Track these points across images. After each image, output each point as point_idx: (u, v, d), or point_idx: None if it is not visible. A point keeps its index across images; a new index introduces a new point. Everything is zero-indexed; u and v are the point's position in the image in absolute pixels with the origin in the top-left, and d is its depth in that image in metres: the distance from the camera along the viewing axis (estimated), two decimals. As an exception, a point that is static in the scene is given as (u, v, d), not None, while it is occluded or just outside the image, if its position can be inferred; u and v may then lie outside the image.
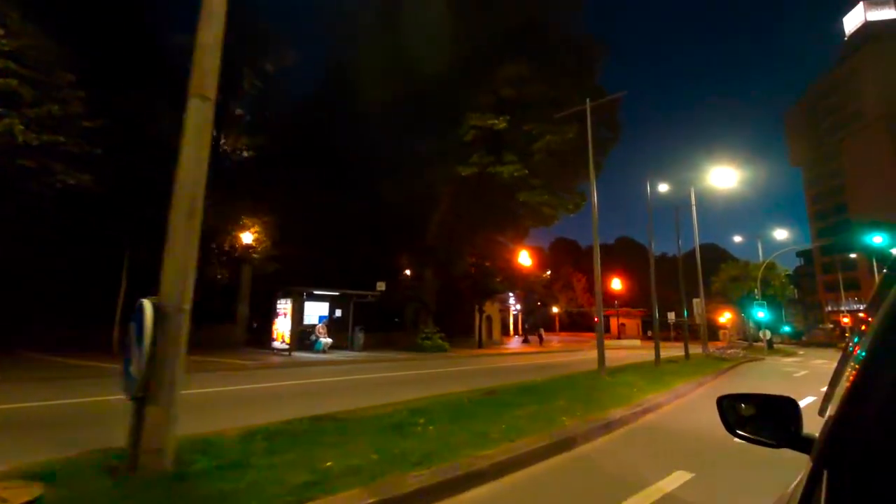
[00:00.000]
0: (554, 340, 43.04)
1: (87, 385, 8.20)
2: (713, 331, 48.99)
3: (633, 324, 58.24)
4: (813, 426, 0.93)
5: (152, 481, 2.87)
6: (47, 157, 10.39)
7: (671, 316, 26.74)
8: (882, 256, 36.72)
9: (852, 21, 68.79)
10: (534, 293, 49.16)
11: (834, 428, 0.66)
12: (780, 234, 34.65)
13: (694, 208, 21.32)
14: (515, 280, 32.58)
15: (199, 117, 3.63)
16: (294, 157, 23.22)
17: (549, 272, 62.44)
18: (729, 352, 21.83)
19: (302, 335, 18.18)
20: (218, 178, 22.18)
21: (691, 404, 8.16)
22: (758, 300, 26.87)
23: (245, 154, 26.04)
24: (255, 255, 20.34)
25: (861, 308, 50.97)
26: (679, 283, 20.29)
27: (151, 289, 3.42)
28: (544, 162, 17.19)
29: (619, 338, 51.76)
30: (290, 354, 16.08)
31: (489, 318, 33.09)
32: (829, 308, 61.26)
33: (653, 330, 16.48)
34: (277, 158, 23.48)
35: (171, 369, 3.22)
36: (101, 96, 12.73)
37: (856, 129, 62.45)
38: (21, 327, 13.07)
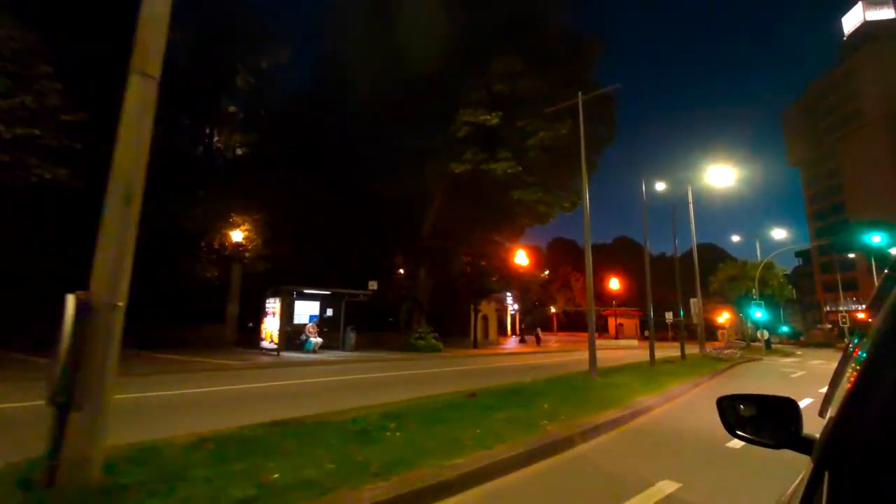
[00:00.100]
0: (552, 340, 42.71)
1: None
2: (712, 331, 48.77)
3: (630, 324, 57.96)
4: (812, 427, 0.93)
5: (70, 497, 2.57)
6: (22, 150, 10.06)
7: (669, 316, 26.48)
8: (881, 256, 36.56)
9: (851, 21, 68.68)
10: (531, 293, 48.82)
11: (835, 429, 0.66)
12: (779, 233, 34.41)
13: (691, 207, 21.06)
14: (511, 279, 32.33)
15: (139, 95, 3.33)
16: (287, 155, 22.94)
17: (546, 272, 62.14)
18: (726, 352, 21.57)
19: (291, 335, 17.87)
20: (210, 176, 22.06)
21: (684, 406, 7.88)
22: (755, 300, 26.64)
23: (238, 152, 25.75)
24: (247, 254, 20.04)
25: (860, 308, 50.80)
26: (677, 283, 20.02)
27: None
28: (539, 159, 16.90)
29: (616, 338, 51.45)
30: (278, 354, 15.76)
31: (485, 318, 32.81)
32: (828, 308, 61.10)
33: (650, 330, 16.20)
34: (270, 156, 23.20)
35: (101, 372, 2.91)
36: (83, 89, 12.41)
37: (854, 129, 62.32)
38: (21, 327, 12.79)
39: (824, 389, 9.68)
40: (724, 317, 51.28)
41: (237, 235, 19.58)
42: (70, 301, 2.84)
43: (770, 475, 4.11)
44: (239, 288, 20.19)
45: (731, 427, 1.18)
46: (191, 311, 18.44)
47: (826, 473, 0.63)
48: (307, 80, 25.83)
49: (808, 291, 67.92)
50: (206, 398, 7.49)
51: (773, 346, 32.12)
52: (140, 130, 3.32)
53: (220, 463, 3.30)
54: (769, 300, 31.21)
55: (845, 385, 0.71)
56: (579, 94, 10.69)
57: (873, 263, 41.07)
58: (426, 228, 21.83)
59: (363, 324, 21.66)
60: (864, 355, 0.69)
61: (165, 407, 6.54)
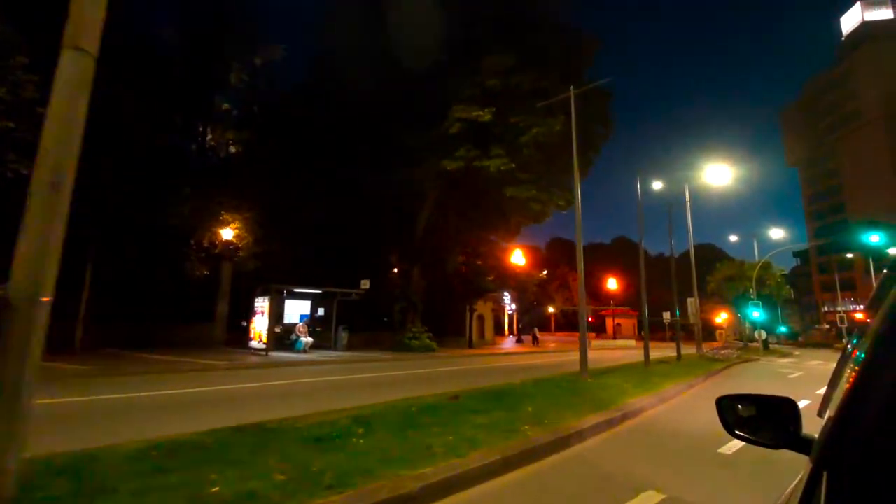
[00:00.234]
0: (549, 341, 42.43)
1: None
2: (710, 331, 48.58)
3: (628, 324, 57.75)
4: (811, 427, 0.92)
5: (-30, 516, 2.28)
6: (-3, 143, 9.75)
7: (666, 316, 26.25)
8: (879, 256, 36.39)
9: (850, 21, 68.60)
10: (528, 292, 48.56)
11: (834, 429, 0.66)
12: (777, 233, 34.18)
13: (688, 205, 20.80)
14: (507, 279, 32.06)
15: (73, 72, 3.04)
16: (280, 153, 22.64)
17: (545, 272, 61.92)
18: (723, 352, 21.32)
19: (282, 335, 17.59)
20: (202, 174, 21.76)
21: (677, 409, 7.61)
22: (753, 300, 26.41)
23: (231, 149, 25.46)
24: (241, 253, 19.74)
25: (858, 308, 50.66)
26: (673, 283, 19.78)
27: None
28: (533, 156, 16.61)
29: (614, 338, 51.24)
30: (266, 354, 15.47)
31: (481, 318, 32.53)
32: (826, 308, 60.97)
33: (644, 330, 15.94)
34: (263, 153, 22.90)
35: (18, 373, 2.62)
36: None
37: (853, 129, 62.21)
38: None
39: (822, 391, 9.42)
40: (722, 317, 51.10)
41: (227, 234, 19.28)
42: (-19, 295, 2.55)
43: (763, 484, 3.83)
44: (229, 287, 19.89)
45: (730, 427, 1.17)
46: (180, 311, 18.13)
47: (825, 473, 0.63)
48: (301, 77, 25.47)
49: (806, 292, 67.79)
50: (179, 400, 7.19)
51: (770, 346, 31.90)
52: (72, 111, 3.03)
53: (159, 474, 3.02)
54: (767, 300, 30.99)
55: (844, 385, 0.71)
56: (571, 88, 10.42)
57: (871, 264, 40.91)
58: (420, 227, 21.55)
59: (358, 323, 21.37)
60: (863, 356, 0.69)
61: (132, 410, 6.25)
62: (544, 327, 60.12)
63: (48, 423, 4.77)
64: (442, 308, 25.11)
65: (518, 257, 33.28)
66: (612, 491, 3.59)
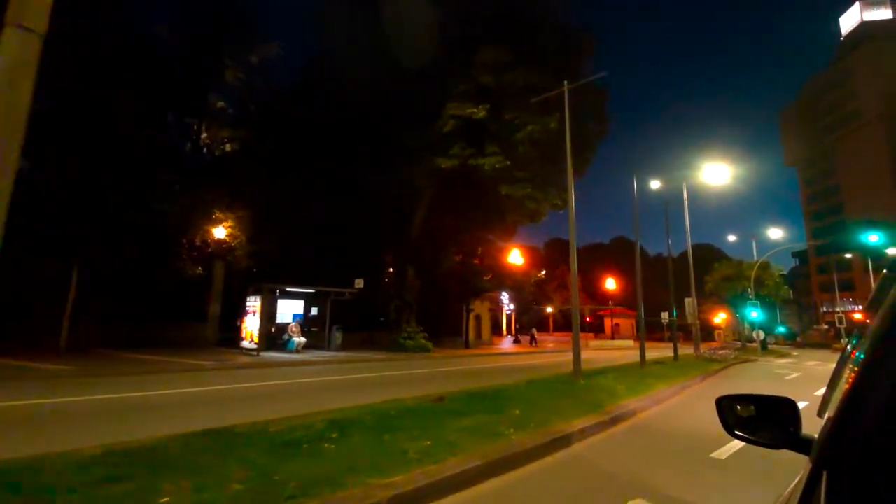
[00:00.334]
0: (548, 341, 42.22)
1: (4, 388, 7.35)
2: (708, 332, 48.41)
3: (627, 324, 57.57)
4: (811, 428, 0.92)
5: None
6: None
7: (664, 316, 26.07)
8: (877, 256, 36.27)
9: (849, 21, 68.54)
10: (525, 292, 48.38)
11: (833, 429, 0.66)
12: (775, 233, 34.03)
13: (686, 204, 20.64)
14: (504, 279, 31.86)
15: (15, 52, 2.83)
16: (276, 151, 22.44)
17: (543, 272, 61.78)
18: (720, 353, 21.15)
19: (274, 334, 17.38)
20: (195, 172, 21.54)
21: (670, 411, 7.42)
22: (751, 300, 26.25)
23: (228, 148, 25.25)
24: (237, 251, 19.53)
25: (856, 309, 50.57)
26: (671, 282, 19.61)
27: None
28: (528, 154, 16.41)
29: (612, 338, 51.05)
30: (258, 354, 15.26)
31: (478, 318, 32.33)
32: (825, 309, 60.88)
33: (640, 330, 15.75)
34: (258, 152, 22.69)
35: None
36: (45, 81, 11.90)
37: (852, 129, 62.12)
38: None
39: (820, 392, 9.24)
40: (720, 317, 50.96)
41: (220, 232, 19.07)
42: None
43: (756, 491, 3.64)
44: (222, 286, 19.66)
45: (729, 427, 1.17)
46: (172, 311, 17.90)
47: (824, 473, 0.63)
48: (298, 75, 25.28)
49: (804, 292, 67.70)
50: (155, 402, 6.98)
51: (769, 346, 31.72)
52: (16, 94, 2.82)
53: (107, 484, 2.81)
54: (765, 301, 30.84)
55: (844, 386, 0.71)
56: (565, 83, 10.22)
57: (870, 264, 40.80)
58: (415, 226, 21.34)
59: (353, 323, 21.16)
60: (863, 356, 0.69)
61: (102, 412, 6.03)
62: (543, 327, 59.95)
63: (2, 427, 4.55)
64: (438, 308, 24.91)
65: (515, 257, 33.09)
66: (597, 500, 3.39)
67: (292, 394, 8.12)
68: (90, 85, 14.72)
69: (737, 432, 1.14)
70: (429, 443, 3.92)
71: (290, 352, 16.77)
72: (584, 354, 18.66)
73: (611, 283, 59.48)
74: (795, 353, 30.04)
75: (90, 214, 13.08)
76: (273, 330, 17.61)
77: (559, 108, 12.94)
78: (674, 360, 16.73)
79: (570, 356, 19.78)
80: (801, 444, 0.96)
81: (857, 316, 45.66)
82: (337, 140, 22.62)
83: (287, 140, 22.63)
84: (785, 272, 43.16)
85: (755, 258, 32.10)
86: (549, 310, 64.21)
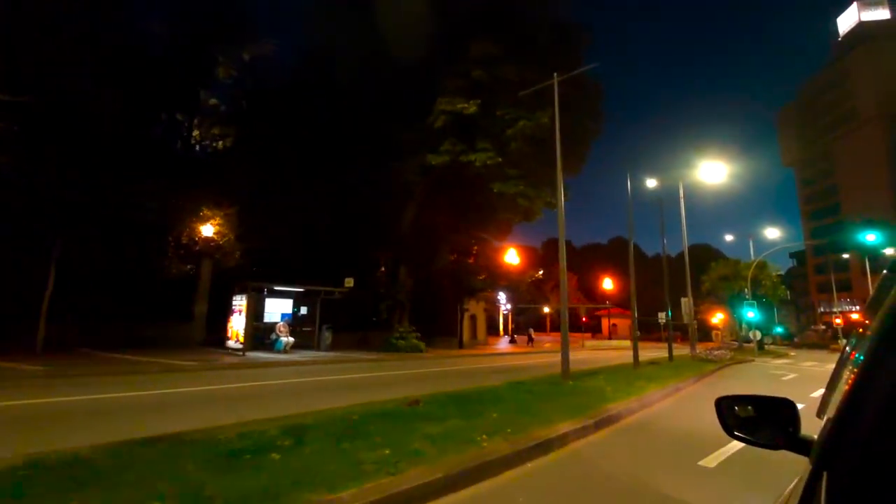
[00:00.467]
0: (545, 341, 41.89)
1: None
2: (706, 332, 48.18)
3: (624, 324, 57.23)
4: (810, 428, 0.93)
5: None
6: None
7: (662, 316, 25.80)
8: (875, 256, 36.08)
9: (846, 21, 68.46)
10: (522, 292, 48.09)
11: (833, 430, 0.67)
12: (772, 233, 33.82)
13: (682, 202, 20.36)
14: (499, 278, 31.55)
15: None
16: (267, 148, 22.10)
17: (541, 272, 61.50)
18: (716, 353, 20.87)
19: (262, 334, 17.03)
20: (184, 168, 21.17)
21: (661, 414, 7.11)
22: (748, 300, 26.01)
23: (219, 145, 24.90)
24: (226, 250, 19.16)
25: (854, 309, 50.45)
26: (668, 283, 19.34)
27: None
28: (521, 151, 16.10)
29: (609, 338, 50.78)
30: (243, 354, 14.92)
31: (473, 318, 32.00)
32: (822, 309, 60.77)
33: (633, 329, 15.47)
34: (251, 149, 22.37)
35: None
36: (23, 68, 11.55)
37: (850, 130, 62.03)
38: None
39: (816, 394, 8.94)
40: (718, 317, 50.76)
41: (208, 230, 18.69)
42: None
43: (746, 501, 3.33)
44: (209, 285, 19.27)
45: (729, 428, 1.17)
46: (157, 309, 17.53)
47: (824, 474, 0.63)
48: (291, 73, 24.93)
49: (802, 293, 67.60)
50: (121, 404, 6.65)
51: (766, 347, 31.48)
52: None
53: (6, 500, 2.48)
54: (762, 301, 30.59)
55: (843, 387, 0.71)
56: (554, 75, 9.91)
57: (868, 264, 40.62)
58: (405, 224, 21.00)
59: (345, 323, 20.82)
60: (862, 357, 0.69)
61: (56, 416, 5.69)
62: (540, 327, 59.64)
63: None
64: (433, 308, 24.58)
65: (511, 256, 32.79)
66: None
67: (264, 396, 7.79)
68: (73, 79, 14.42)
69: (736, 433, 1.13)
70: (388, 451, 3.60)
71: (278, 352, 16.43)
72: (580, 355, 18.36)
73: (608, 284, 59.26)
74: (792, 354, 29.81)
75: (68, 210, 12.70)
76: (261, 329, 17.27)
77: (551, 104, 12.65)
78: (669, 361, 16.44)
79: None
80: (800, 445, 0.97)
81: (855, 316, 45.58)
82: (328, 137, 22.31)
83: (278, 137, 22.31)
84: (782, 272, 42.98)
85: (752, 258, 31.88)
86: (546, 310, 63.95)
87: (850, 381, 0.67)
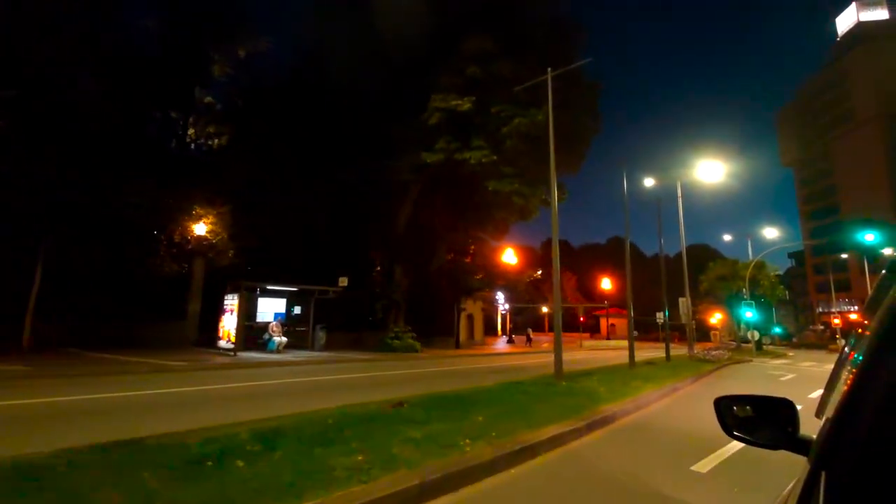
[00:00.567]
0: (543, 340, 41.70)
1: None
2: (704, 332, 48.04)
3: (623, 324, 57.09)
4: (809, 429, 0.93)
5: None
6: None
7: (660, 316, 25.64)
8: (873, 256, 35.96)
9: (845, 21, 68.39)
10: (520, 292, 47.91)
11: (832, 430, 0.67)
12: (771, 233, 33.69)
13: (680, 201, 20.19)
14: (496, 278, 31.38)
15: None
16: (263, 147, 21.92)
17: (539, 272, 61.32)
18: (713, 353, 20.72)
19: (253, 334, 16.82)
20: (177, 167, 20.97)
21: (655, 416, 6.93)
22: (746, 300, 25.86)
23: (214, 142, 24.71)
24: (220, 248, 18.95)
25: (852, 309, 50.37)
26: (665, 282, 19.18)
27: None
28: (516, 148, 15.92)
29: (608, 338, 50.63)
30: (234, 354, 14.72)
31: (470, 318, 31.83)
32: (821, 309, 60.68)
33: (629, 329, 15.30)
34: (247, 147, 22.17)
35: None
36: (13, 64, 11.36)
37: (849, 130, 61.95)
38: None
39: (814, 395, 8.78)
40: (716, 317, 50.62)
41: (201, 228, 18.48)
42: None
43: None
44: (202, 284, 19.07)
45: (728, 428, 1.17)
46: (149, 309, 17.31)
47: (823, 474, 0.63)
48: (286, 70, 24.76)
49: (801, 293, 67.51)
50: (100, 406, 6.45)
51: (764, 347, 31.35)
52: None
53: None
54: (761, 301, 30.45)
55: (842, 387, 0.71)
56: (548, 69, 9.74)
57: (866, 264, 40.51)
58: (400, 223, 20.80)
59: (340, 323, 20.62)
60: (861, 357, 0.70)
61: (30, 418, 5.49)
62: (539, 327, 59.45)
63: None
64: (430, 307, 24.39)
65: (509, 256, 32.62)
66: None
67: (247, 398, 7.60)
68: (66, 77, 14.23)
69: (735, 433, 1.14)
70: (360, 457, 3.41)
71: (271, 352, 16.23)
72: (578, 355, 18.14)
73: (607, 284, 59.11)
74: (791, 354, 29.68)
75: (56, 208, 12.49)
76: (253, 329, 17.07)
77: (547, 101, 12.48)
78: (666, 361, 16.28)
79: (564, 356, 19.47)
80: (799, 445, 0.97)
81: (853, 316, 45.48)
82: (324, 135, 22.13)
83: (273, 135, 22.13)
84: (781, 272, 42.86)
85: (751, 258, 31.74)
86: (545, 309, 63.76)
87: (848, 381, 0.67)
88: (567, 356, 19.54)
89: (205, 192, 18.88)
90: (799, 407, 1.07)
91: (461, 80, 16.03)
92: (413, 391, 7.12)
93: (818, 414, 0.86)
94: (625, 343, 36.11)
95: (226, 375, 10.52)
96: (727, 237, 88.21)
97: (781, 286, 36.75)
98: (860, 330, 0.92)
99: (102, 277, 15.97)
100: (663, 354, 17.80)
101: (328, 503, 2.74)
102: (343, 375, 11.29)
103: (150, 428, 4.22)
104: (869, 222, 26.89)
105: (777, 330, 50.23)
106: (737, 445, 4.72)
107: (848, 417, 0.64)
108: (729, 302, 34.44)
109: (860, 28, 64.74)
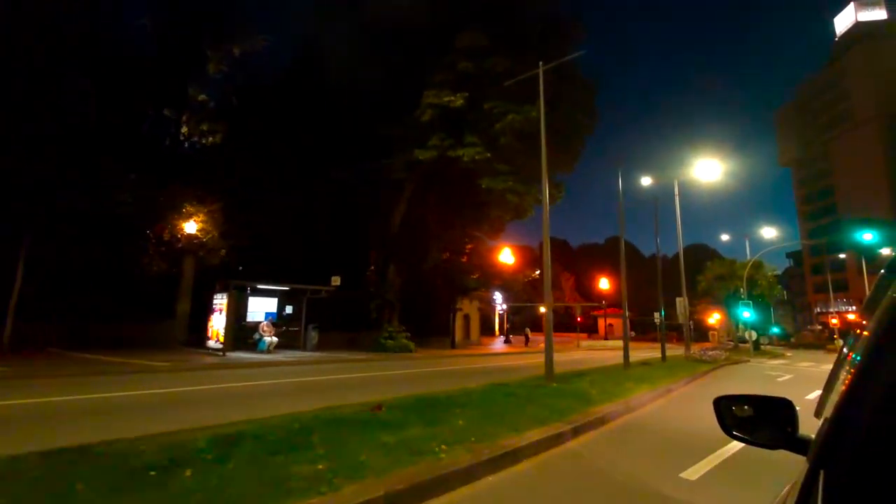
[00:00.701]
0: (541, 340, 41.35)
1: None
2: (702, 332, 47.85)
3: (620, 324, 56.94)
4: (809, 428, 0.93)
5: None
6: None
7: (657, 316, 25.46)
8: (871, 256, 35.81)
9: (843, 21, 68.36)
10: (516, 291, 47.65)
11: (830, 429, 0.67)
12: (769, 233, 33.51)
13: (677, 200, 19.99)
14: (493, 277, 31.14)
15: None
16: (257, 145, 21.67)
17: (537, 272, 61.09)
18: (710, 353, 20.50)
19: (243, 333, 16.56)
20: (168, 164, 20.69)
21: (646, 419, 6.69)
22: (744, 300, 25.68)
23: (208, 140, 24.43)
24: (211, 247, 18.67)
25: (850, 309, 50.26)
26: (661, 282, 18.97)
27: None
28: (511, 146, 15.69)
29: (606, 338, 50.44)
30: (223, 355, 14.45)
31: (467, 317, 31.56)
32: (819, 309, 60.56)
33: (624, 329, 15.08)
34: (240, 145, 21.92)
35: None
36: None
37: (847, 130, 61.89)
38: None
39: (812, 396, 8.55)
40: (714, 318, 50.46)
41: (191, 227, 18.20)
42: None
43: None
44: (192, 283, 18.78)
45: (727, 428, 1.18)
46: (136, 308, 17.03)
47: (821, 473, 0.64)
48: (281, 68, 24.53)
49: (799, 293, 67.43)
50: (68, 408, 6.18)
51: (762, 347, 31.17)
52: None
53: None
54: (759, 301, 30.28)
55: (840, 387, 0.72)
56: (540, 63, 9.51)
57: (864, 264, 40.37)
58: (394, 222, 20.55)
59: (334, 322, 20.36)
60: (859, 357, 0.70)
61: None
62: (537, 327, 59.17)
63: None
64: (425, 307, 24.13)
65: (506, 256, 32.38)
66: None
67: (227, 399, 7.34)
68: (55, 72, 13.97)
69: (734, 433, 1.14)
70: (321, 466, 3.16)
71: (261, 352, 15.97)
72: (575, 355, 17.85)
73: (605, 284, 58.93)
74: (789, 354, 29.50)
75: (40, 204, 12.21)
76: (244, 329, 16.80)
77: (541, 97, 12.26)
78: (662, 361, 16.07)
79: (561, 356, 19.23)
80: (798, 445, 0.97)
81: (851, 316, 45.34)
82: (318, 133, 21.89)
83: (269, 133, 21.89)
84: (779, 272, 42.70)
85: (749, 258, 31.56)
86: (543, 309, 63.60)
87: (847, 381, 0.67)
88: (563, 356, 19.36)
89: (196, 190, 18.62)
90: (797, 408, 1.02)
91: (454, 77, 15.79)
92: (399, 392, 6.88)
93: (817, 414, 0.86)
94: (622, 343, 35.92)
95: (210, 376, 10.26)
96: (725, 237, 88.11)
97: (779, 286, 36.61)
98: (858, 330, 0.91)
99: (89, 276, 15.68)
100: (660, 355, 17.58)
101: (277, 519, 2.50)
102: (331, 376, 11.03)
103: (112, 432, 3.97)
104: (867, 222, 26.72)
105: (775, 330, 50.08)
106: (729, 450, 4.50)
107: (847, 417, 0.64)
108: (727, 302, 34.25)
109: (858, 28, 64.70)
